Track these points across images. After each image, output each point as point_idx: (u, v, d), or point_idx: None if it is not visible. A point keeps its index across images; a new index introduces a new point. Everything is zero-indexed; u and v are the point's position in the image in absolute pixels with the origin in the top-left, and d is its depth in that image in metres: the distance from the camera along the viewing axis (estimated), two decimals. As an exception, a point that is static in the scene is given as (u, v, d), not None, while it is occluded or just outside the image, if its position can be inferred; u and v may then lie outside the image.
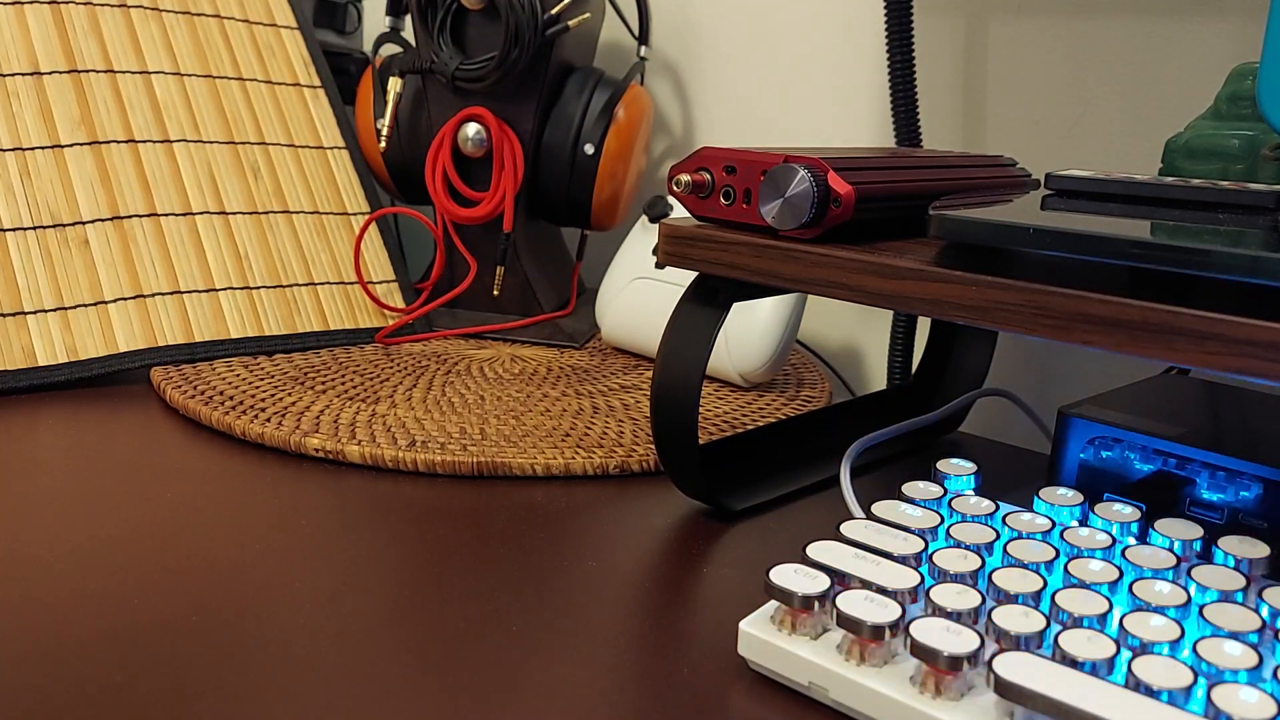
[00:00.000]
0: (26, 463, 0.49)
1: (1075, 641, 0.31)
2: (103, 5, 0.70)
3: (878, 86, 0.77)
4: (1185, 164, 0.46)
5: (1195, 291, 0.33)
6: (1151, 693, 0.29)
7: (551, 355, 0.72)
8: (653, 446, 0.54)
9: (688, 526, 0.47)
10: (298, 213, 0.73)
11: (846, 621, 0.33)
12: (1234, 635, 0.32)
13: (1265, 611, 0.35)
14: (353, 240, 0.75)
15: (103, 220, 0.65)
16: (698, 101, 0.87)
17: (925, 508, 0.42)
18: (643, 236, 0.73)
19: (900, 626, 0.32)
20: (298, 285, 0.71)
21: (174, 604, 0.37)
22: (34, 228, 0.63)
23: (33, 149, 0.65)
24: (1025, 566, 0.37)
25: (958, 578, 0.36)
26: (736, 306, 0.65)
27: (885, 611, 0.33)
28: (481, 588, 0.40)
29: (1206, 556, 0.39)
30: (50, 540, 0.41)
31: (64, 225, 0.64)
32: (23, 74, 0.66)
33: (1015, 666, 0.30)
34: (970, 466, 0.46)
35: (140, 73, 0.70)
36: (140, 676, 0.33)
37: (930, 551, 0.38)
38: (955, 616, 0.33)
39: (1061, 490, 0.44)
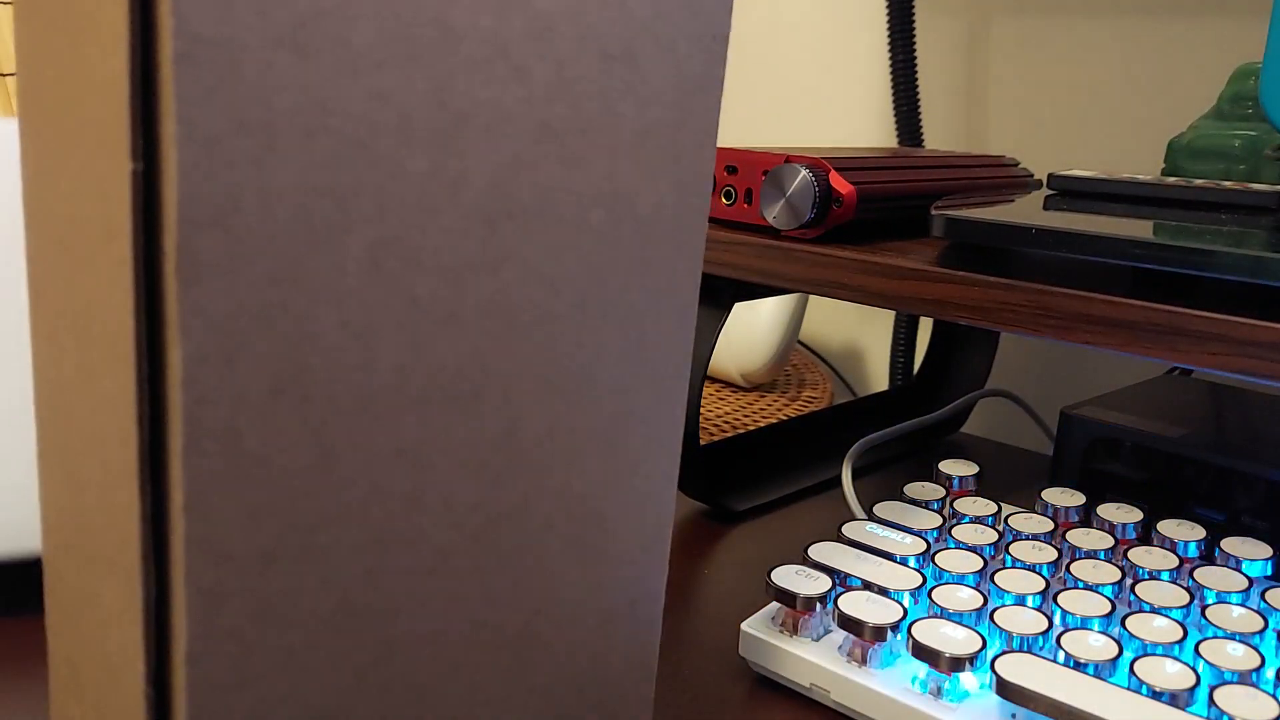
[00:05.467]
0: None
1: (1077, 642, 0.31)
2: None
3: (880, 86, 0.77)
4: (1188, 164, 0.46)
5: (1198, 292, 0.33)
6: (1154, 694, 0.29)
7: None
8: (654, 447, 0.54)
9: (688, 526, 0.47)
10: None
11: (848, 622, 0.32)
12: (1236, 636, 0.32)
13: (1268, 613, 0.35)
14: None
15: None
16: (699, 101, 0.87)
17: (927, 508, 0.42)
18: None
19: (902, 627, 0.32)
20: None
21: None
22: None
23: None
24: (1027, 567, 0.37)
25: (960, 578, 0.36)
26: (738, 306, 0.65)
27: (887, 612, 0.33)
28: (482, 588, 0.40)
29: (1208, 557, 0.39)
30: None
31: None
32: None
33: (1017, 667, 0.30)
34: (972, 467, 0.46)
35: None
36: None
37: (932, 552, 0.38)
38: (957, 617, 0.33)
39: (1064, 491, 0.44)
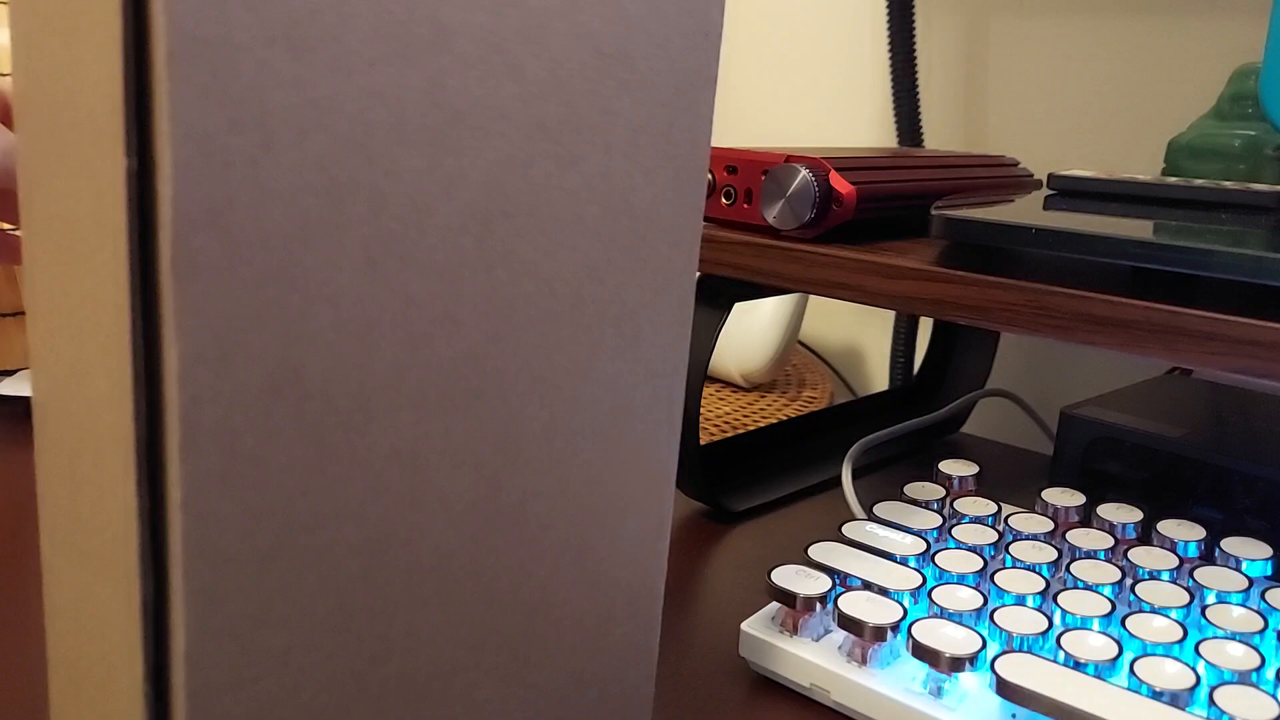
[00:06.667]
0: (28, 464, 0.49)
1: (1077, 642, 0.31)
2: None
3: (880, 86, 0.77)
4: (1188, 164, 0.46)
5: (1198, 292, 0.33)
6: (1153, 694, 0.29)
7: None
8: (654, 447, 0.54)
9: (688, 527, 0.47)
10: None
11: (848, 622, 0.32)
12: (1236, 636, 0.32)
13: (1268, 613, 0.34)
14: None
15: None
16: (699, 102, 0.87)
17: (927, 508, 0.42)
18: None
19: (902, 627, 0.32)
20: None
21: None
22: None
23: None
24: (1027, 567, 0.37)
25: (960, 578, 0.36)
26: (738, 306, 0.65)
27: (887, 612, 0.33)
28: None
29: (1208, 557, 0.39)
30: (50, 540, 0.41)
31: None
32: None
33: (1017, 667, 0.30)
34: (972, 467, 0.46)
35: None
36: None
37: (932, 552, 0.38)
38: (957, 617, 0.33)
39: (1064, 491, 0.44)
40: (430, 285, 0.19)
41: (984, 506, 0.42)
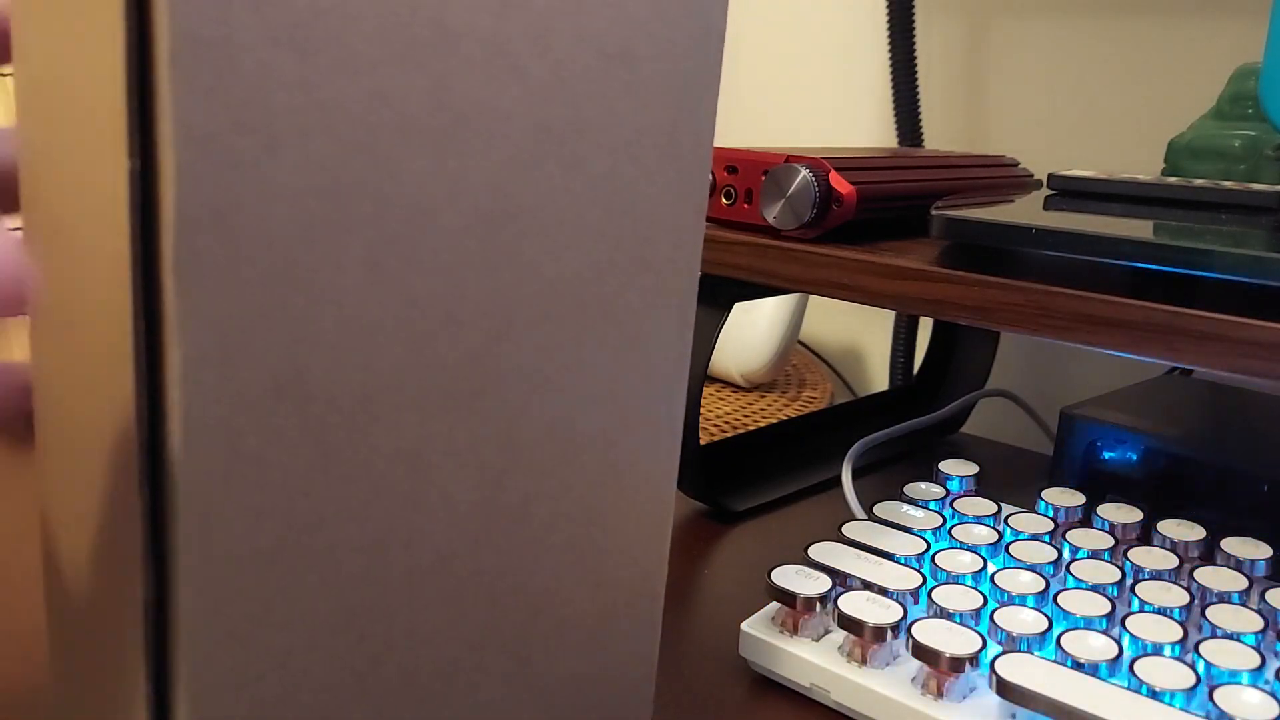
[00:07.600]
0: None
1: (1077, 642, 0.31)
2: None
3: (880, 86, 0.77)
4: (1188, 164, 0.46)
5: (1198, 292, 0.33)
6: (1154, 694, 0.29)
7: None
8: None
9: (688, 526, 0.47)
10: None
11: (848, 622, 0.32)
12: (1236, 636, 0.32)
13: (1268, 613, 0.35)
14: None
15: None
16: (699, 101, 0.87)
17: (927, 508, 0.42)
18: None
19: (902, 627, 0.32)
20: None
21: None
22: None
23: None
24: (1027, 567, 0.37)
25: (960, 578, 0.36)
26: (738, 306, 0.65)
27: (887, 612, 0.33)
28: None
29: (1209, 558, 0.39)
30: (51, 540, 0.41)
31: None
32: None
33: (1017, 668, 0.30)
34: (972, 467, 0.46)
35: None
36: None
37: (932, 552, 0.38)
38: (957, 617, 0.33)
39: (1064, 491, 0.44)
40: (433, 286, 0.19)
41: (984, 506, 0.42)
